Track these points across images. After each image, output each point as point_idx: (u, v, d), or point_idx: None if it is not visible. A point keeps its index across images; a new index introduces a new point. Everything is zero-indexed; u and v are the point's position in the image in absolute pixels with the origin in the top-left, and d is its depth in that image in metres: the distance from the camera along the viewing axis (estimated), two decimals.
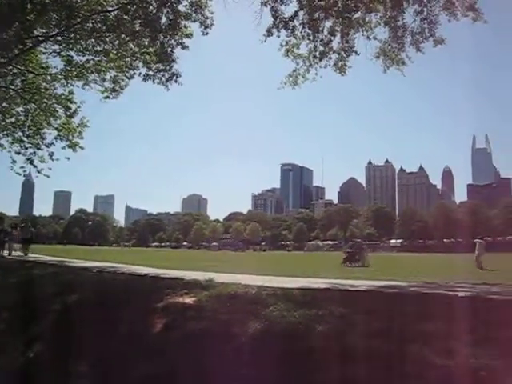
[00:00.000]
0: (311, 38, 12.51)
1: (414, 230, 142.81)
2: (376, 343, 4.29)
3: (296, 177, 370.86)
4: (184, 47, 14.81)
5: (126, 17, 13.91)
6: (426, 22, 11.77)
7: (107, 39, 15.14)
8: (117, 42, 15.16)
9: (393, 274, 16.41)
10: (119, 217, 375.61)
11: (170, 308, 6.34)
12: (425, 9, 11.65)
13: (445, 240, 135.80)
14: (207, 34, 14.09)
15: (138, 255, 45.69)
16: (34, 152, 18.92)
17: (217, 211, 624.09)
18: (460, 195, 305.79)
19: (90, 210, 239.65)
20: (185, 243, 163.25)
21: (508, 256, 46.57)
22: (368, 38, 12.42)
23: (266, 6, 12.04)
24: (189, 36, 14.65)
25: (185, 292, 7.35)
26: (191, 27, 14.47)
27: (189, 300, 6.78)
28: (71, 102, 18.33)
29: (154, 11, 13.61)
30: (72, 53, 16.19)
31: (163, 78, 15.05)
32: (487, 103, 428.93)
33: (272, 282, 9.78)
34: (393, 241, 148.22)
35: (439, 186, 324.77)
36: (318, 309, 5.66)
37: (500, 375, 3.53)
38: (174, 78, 15.01)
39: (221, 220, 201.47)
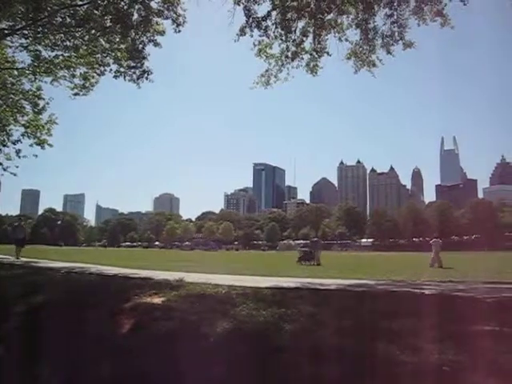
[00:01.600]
0: (284, 38, 12.52)
1: (384, 230, 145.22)
2: (343, 341, 4.33)
3: (268, 176, 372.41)
4: (156, 44, 14.63)
5: (96, 12, 13.64)
6: (396, 25, 11.95)
7: (77, 34, 14.77)
8: (87, 37, 14.83)
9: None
10: (89, 216, 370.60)
11: (138, 308, 6.25)
12: (395, 12, 11.82)
13: (414, 239, 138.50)
14: (179, 31, 13.95)
15: (108, 255, 45.05)
16: (0, 149, 18.41)
17: (189, 210, 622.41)
18: (429, 195, 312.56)
19: (60, 209, 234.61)
20: (157, 243, 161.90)
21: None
22: (340, 39, 12.50)
23: (239, 4, 11.99)
24: (161, 33, 14.48)
25: (153, 292, 7.27)
26: (163, 24, 14.32)
27: (157, 300, 6.71)
28: (39, 99, 17.86)
29: (126, 7, 13.41)
30: (40, 47, 15.73)
31: (134, 76, 14.86)
32: (455, 105, 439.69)
33: (243, 281, 9.78)
34: (364, 240, 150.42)
35: (409, 186, 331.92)
36: (287, 308, 5.68)
37: (462, 370, 3.61)
38: (145, 75, 14.83)
39: (193, 219, 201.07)
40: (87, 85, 16.62)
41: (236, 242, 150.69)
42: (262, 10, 12.11)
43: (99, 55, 15.66)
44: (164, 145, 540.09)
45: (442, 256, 26.60)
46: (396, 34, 12.05)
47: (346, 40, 12.51)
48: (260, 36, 12.45)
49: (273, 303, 6.07)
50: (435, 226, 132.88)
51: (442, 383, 3.54)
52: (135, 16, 13.61)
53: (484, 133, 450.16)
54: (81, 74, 16.46)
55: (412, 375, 3.57)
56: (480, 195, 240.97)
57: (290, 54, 12.65)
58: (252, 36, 12.33)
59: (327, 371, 3.75)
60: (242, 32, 12.17)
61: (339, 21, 12.44)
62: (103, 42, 15.11)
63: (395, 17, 11.85)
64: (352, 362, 3.84)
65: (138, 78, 14.89)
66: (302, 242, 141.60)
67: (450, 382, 3.52)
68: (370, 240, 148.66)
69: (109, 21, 13.79)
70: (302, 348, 4.24)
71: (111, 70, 15.51)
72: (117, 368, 4.83)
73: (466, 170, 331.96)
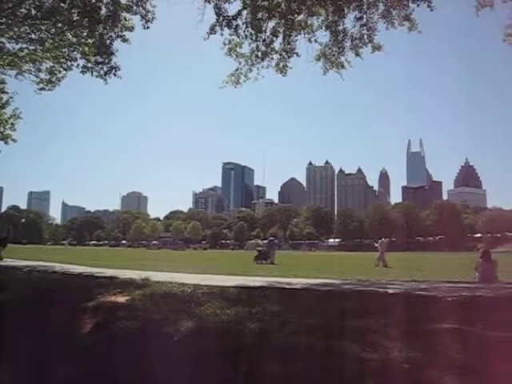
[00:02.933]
0: (254, 37, 12.50)
1: (351, 230, 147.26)
2: (306, 340, 4.37)
3: (237, 176, 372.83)
4: (124, 40, 14.37)
5: (63, 5, 13.29)
6: (365, 28, 12.12)
7: (42, 27, 14.34)
8: (53, 30, 14.41)
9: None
10: (55, 214, 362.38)
11: (102, 307, 6.15)
12: (364, 15, 11.99)
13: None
14: (148, 28, 13.74)
15: (74, 253, 44.24)
16: None
17: (157, 209, 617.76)
18: (395, 196, 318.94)
19: (24, 206, 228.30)
20: (124, 242, 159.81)
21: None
22: (309, 40, 12.57)
23: (209, 2, 11.94)
24: (130, 29, 14.23)
25: (118, 291, 7.18)
26: (132, 20, 14.08)
27: (121, 299, 6.62)
28: (3, 92, 17.37)
29: (94, 1, 13.14)
30: (4, 39, 15.22)
31: (101, 71, 14.55)
32: (422, 109, 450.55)
33: (210, 280, 9.75)
34: (331, 240, 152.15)
35: (376, 188, 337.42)
36: (251, 307, 5.68)
37: (420, 367, 3.70)
38: (113, 71, 14.53)
39: (161, 218, 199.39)
40: (53, 79, 16.16)
41: (204, 242, 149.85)
42: (232, 8, 12.09)
43: (66, 49, 15.23)
44: (132, 143, 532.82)
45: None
46: (365, 36, 12.23)
47: (316, 41, 12.61)
48: (230, 35, 12.41)
49: (238, 302, 6.07)
50: (401, 226, 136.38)
51: (401, 380, 3.62)
52: (103, 10, 13.35)
53: (449, 136, 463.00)
54: (47, 68, 15.99)
55: (372, 372, 3.64)
56: (445, 197, 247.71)
57: (259, 53, 12.64)
58: (222, 35, 12.29)
59: (290, 369, 3.79)
60: (212, 30, 12.10)
61: (309, 22, 12.52)
62: (70, 36, 14.71)
63: (364, 20, 12.02)
64: (314, 360, 3.89)
65: (105, 74, 14.55)
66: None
67: (409, 378, 3.60)
68: (337, 240, 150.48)
69: (76, 14, 13.45)
70: (265, 346, 4.26)
71: (78, 65, 15.13)
72: (77, 367, 4.75)
73: (432, 172, 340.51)
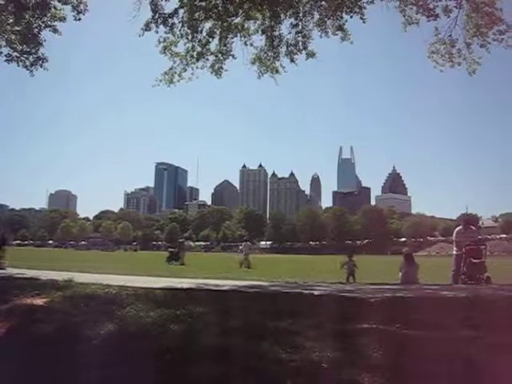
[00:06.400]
0: (190, 37, 12.41)
1: (282, 233, 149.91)
2: (228, 341, 4.38)
3: (171, 176, 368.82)
4: (55, 31, 13.70)
5: None
6: (300, 35, 12.40)
7: None
8: None
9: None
10: None
11: (16, 310, 5.84)
12: (300, 23, 12.26)
13: (311, 242, 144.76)
14: (80, 19, 13.16)
15: None
16: None
17: (87, 209, 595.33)
18: (326, 201, 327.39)
19: None
20: (51, 242, 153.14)
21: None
22: (245, 43, 12.67)
23: None
24: (62, 19, 13.59)
25: (36, 293, 6.86)
26: (64, 10, 13.44)
27: (39, 301, 6.32)
28: None
29: None
30: None
31: (27, 62, 13.78)
32: (353, 117, 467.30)
33: (137, 281, 9.54)
34: (263, 242, 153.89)
35: (308, 192, 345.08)
36: (176, 309, 5.62)
37: (339, 366, 3.81)
38: (40, 62, 13.81)
39: (91, 218, 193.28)
40: None
41: (135, 243, 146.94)
42: (169, 6, 11.94)
43: None
44: (61, 138, 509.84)
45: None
46: (300, 43, 12.51)
47: (252, 45, 12.73)
48: (166, 33, 12.25)
49: (162, 304, 5.98)
50: (331, 230, 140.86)
51: (320, 379, 3.70)
52: None
53: (378, 144, 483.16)
54: None
55: (292, 373, 3.69)
56: (373, 202, 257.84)
57: (195, 53, 12.55)
58: (157, 32, 12.11)
59: (211, 370, 3.76)
60: (147, 27, 11.90)
61: (246, 25, 12.61)
62: None
63: (300, 27, 12.30)
64: (235, 361, 3.89)
65: (31, 65, 13.79)
66: (202, 243, 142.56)
67: (327, 377, 3.69)
68: (268, 243, 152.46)
69: None
70: (187, 348, 4.22)
71: (2, 53, 14.22)
72: None
73: (361, 179, 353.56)
